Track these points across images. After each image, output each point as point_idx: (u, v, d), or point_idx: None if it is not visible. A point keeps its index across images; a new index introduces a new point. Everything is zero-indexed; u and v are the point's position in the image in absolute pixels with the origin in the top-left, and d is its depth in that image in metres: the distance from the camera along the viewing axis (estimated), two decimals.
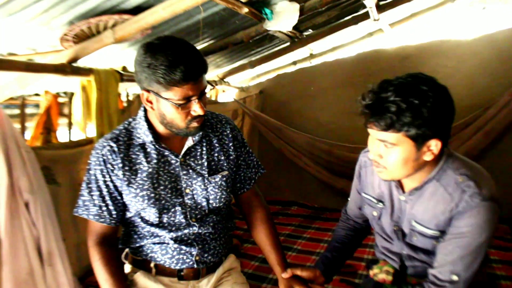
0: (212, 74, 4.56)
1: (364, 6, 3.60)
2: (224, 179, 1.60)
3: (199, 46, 3.38)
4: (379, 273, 1.64)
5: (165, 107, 1.38)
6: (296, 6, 3.10)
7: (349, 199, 1.88)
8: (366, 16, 3.80)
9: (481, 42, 4.15)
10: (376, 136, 1.35)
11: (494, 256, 3.29)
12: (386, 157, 1.36)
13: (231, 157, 1.64)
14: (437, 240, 1.43)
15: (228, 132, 1.64)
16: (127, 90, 3.36)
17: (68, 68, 2.41)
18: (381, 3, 3.75)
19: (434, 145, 1.31)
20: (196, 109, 1.39)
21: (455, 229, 1.36)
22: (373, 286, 1.69)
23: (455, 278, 1.34)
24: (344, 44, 4.83)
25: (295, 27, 3.57)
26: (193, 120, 1.42)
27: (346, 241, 1.80)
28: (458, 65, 4.15)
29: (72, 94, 2.83)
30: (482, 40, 4.16)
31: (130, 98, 3.39)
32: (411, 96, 1.24)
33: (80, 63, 2.58)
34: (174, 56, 1.30)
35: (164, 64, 1.29)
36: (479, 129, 3.96)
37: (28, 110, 2.78)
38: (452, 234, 1.37)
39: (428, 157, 1.33)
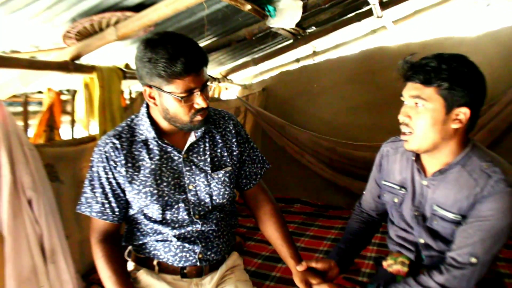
0: (215, 71, 4.56)
1: (367, 3, 3.58)
2: (227, 175, 1.59)
3: (202, 43, 3.38)
4: (394, 264, 1.64)
5: (168, 101, 1.38)
6: (299, 3, 3.09)
7: (364, 192, 1.90)
8: (369, 13, 3.80)
9: (485, 39, 4.13)
10: (410, 92, 1.41)
11: (500, 254, 3.25)
12: (415, 117, 1.41)
13: (234, 153, 1.63)
14: (458, 225, 1.44)
15: (231, 128, 1.64)
16: (130, 88, 3.36)
17: (70, 66, 2.41)
18: (384, 0, 3.74)
19: (463, 113, 1.36)
20: (199, 101, 1.39)
21: (478, 212, 1.38)
22: (384, 281, 1.67)
23: (474, 260, 1.35)
24: (347, 42, 4.82)
25: (298, 24, 3.56)
26: (197, 113, 1.42)
27: (359, 233, 1.82)
28: None
29: (75, 91, 2.82)
30: (486, 37, 4.14)
31: (133, 95, 3.38)
32: (451, 60, 1.35)
33: (82, 61, 2.58)
34: (174, 49, 1.30)
35: (164, 57, 1.30)
36: (483, 127, 3.94)
37: (31, 108, 2.78)
38: (474, 217, 1.38)
39: (455, 125, 1.38)
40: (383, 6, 3.70)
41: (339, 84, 4.74)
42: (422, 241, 1.58)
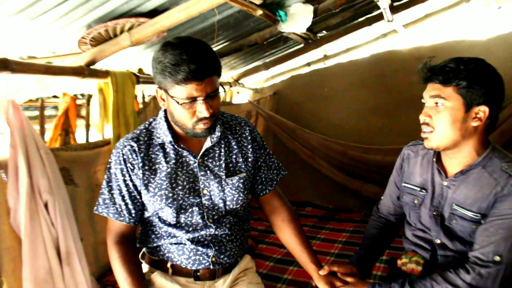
0: (226, 75, 4.59)
1: (378, 7, 3.60)
2: (242, 181, 1.60)
3: (214, 48, 3.40)
4: (408, 263, 1.65)
5: (173, 106, 1.41)
6: (310, 7, 3.11)
7: (382, 197, 1.92)
8: (380, 17, 3.81)
9: (496, 42, 4.09)
10: (430, 92, 1.46)
11: None
12: (436, 116, 1.45)
13: (249, 159, 1.64)
14: (477, 224, 1.46)
15: (247, 134, 1.65)
16: (143, 92, 3.39)
17: (86, 71, 2.45)
18: (395, 4, 3.75)
19: (482, 111, 1.40)
20: (201, 110, 1.38)
21: (499, 211, 1.40)
22: (400, 280, 1.68)
23: (497, 258, 1.36)
24: (358, 45, 4.83)
25: (309, 29, 3.58)
26: (199, 121, 1.42)
27: (377, 238, 1.84)
28: None
29: (89, 96, 2.86)
30: (497, 40, 4.10)
31: (146, 100, 3.42)
32: (469, 62, 1.41)
33: (97, 66, 2.62)
34: (182, 55, 1.31)
35: (171, 62, 1.31)
36: (494, 129, 3.90)
37: (47, 112, 2.83)
38: (496, 216, 1.40)
39: (475, 122, 1.42)
40: (394, 10, 3.71)
41: (350, 87, 4.73)
42: (438, 241, 1.59)
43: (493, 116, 1.44)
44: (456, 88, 1.40)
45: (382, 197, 1.93)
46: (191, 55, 1.31)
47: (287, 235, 1.74)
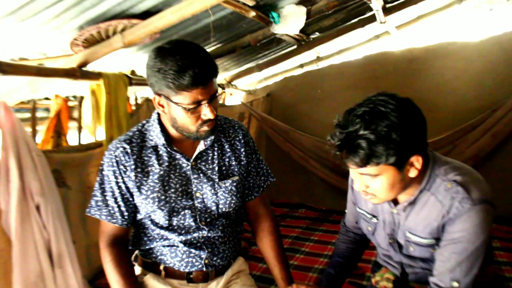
0: (219, 77, 4.58)
1: (370, 9, 3.60)
2: (235, 184, 1.59)
3: (207, 49, 3.40)
4: (381, 281, 1.65)
5: (176, 111, 1.39)
6: (303, 9, 3.12)
7: (346, 211, 1.86)
8: (372, 18, 3.82)
9: (488, 44, 4.14)
10: (356, 170, 1.34)
11: (503, 258, 3.27)
12: (373, 186, 1.36)
13: (242, 163, 1.64)
14: (433, 248, 1.43)
15: (240, 137, 1.65)
16: (136, 94, 3.38)
17: (78, 73, 2.43)
18: (388, 5, 3.76)
19: (416, 160, 1.31)
20: (206, 113, 1.39)
21: (449, 235, 1.35)
22: None
23: (455, 284, 1.33)
24: (351, 47, 4.84)
25: (302, 30, 3.58)
26: (204, 124, 1.42)
27: (348, 255, 1.80)
28: (465, 67, 4.14)
29: (81, 98, 2.85)
30: (489, 41, 4.15)
31: (139, 101, 3.41)
32: (378, 125, 1.23)
33: (89, 68, 2.61)
34: (183, 60, 1.30)
35: (173, 69, 1.30)
36: (487, 131, 3.94)
37: (39, 114, 2.81)
38: (447, 240, 1.36)
39: (412, 173, 1.33)
40: (387, 11, 3.72)
41: (343, 89, 4.74)
42: (404, 261, 1.57)
43: (425, 150, 1.36)
44: (383, 163, 1.27)
45: (346, 211, 1.86)
46: (193, 60, 1.31)
47: (265, 247, 1.74)
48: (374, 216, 1.61)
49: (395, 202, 1.50)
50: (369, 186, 1.37)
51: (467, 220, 1.31)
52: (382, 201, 1.41)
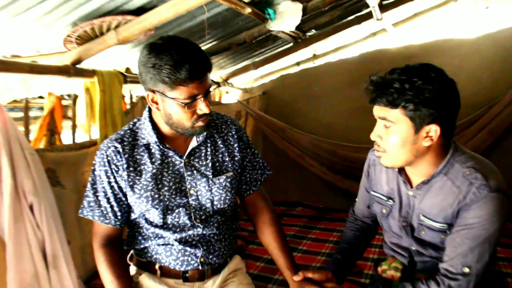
0: (215, 75, 4.56)
1: (367, 6, 3.59)
2: (229, 180, 1.58)
3: (203, 47, 3.38)
4: (388, 270, 1.64)
5: (171, 107, 1.38)
6: (299, 6, 3.10)
7: (356, 199, 1.88)
8: (369, 16, 3.80)
9: (484, 41, 4.15)
10: (377, 113, 1.40)
11: (501, 254, 3.28)
12: (386, 138, 1.39)
13: (236, 158, 1.63)
14: (445, 233, 1.44)
15: (233, 133, 1.64)
16: (131, 92, 3.36)
17: (71, 70, 2.41)
18: (384, 2, 3.75)
19: (434, 130, 1.33)
20: (202, 107, 1.39)
21: (464, 220, 1.36)
22: (381, 284, 1.68)
23: (466, 270, 1.34)
24: (347, 44, 4.84)
25: (298, 28, 3.57)
26: (199, 119, 1.41)
27: (355, 242, 1.80)
28: (462, 64, 4.13)
29: (75, 96, 2.82)
30: (485, 39, 4.16)
31: (134, 99, 3.38)
32: (415, 77, 1.29)
33: (83, 65, 2.58)
34: (178, 55, 1.29)
35: (169, 63, 1.29)
36: (483, 127, 3.95)
37: (32, 113, 2.79)
38: (460, 226, 1.37)
39: (426, 142, 1.35)
40: (383, 8, 3.71)
41: (340, 87, 4.74)
42: (413, 247, 1.57)
43: (449, 128, 1.37)
44: (403, 110, 1.32)
45: (356, 199, 1.88)
46: (188, 54, 1.31)
47: (267, 239, 1.72)
48: (391, 198, 1.62)
49: (410, 184, 1.52)
50: (383, 138, 1.40)
51: (482, 207, 1.32)
52: (390, 162, 1.43)
